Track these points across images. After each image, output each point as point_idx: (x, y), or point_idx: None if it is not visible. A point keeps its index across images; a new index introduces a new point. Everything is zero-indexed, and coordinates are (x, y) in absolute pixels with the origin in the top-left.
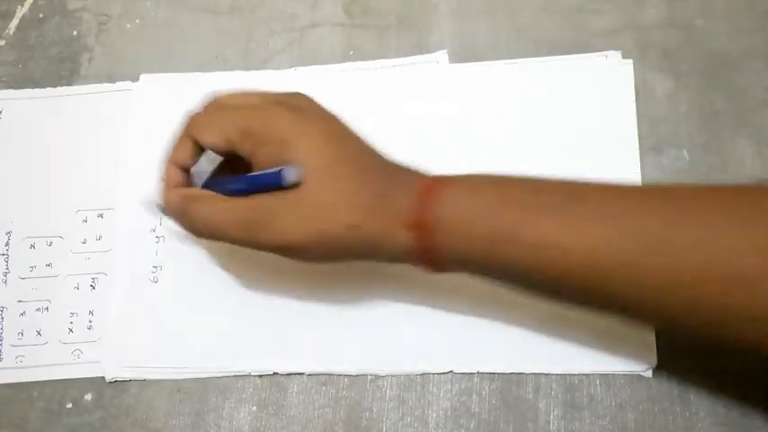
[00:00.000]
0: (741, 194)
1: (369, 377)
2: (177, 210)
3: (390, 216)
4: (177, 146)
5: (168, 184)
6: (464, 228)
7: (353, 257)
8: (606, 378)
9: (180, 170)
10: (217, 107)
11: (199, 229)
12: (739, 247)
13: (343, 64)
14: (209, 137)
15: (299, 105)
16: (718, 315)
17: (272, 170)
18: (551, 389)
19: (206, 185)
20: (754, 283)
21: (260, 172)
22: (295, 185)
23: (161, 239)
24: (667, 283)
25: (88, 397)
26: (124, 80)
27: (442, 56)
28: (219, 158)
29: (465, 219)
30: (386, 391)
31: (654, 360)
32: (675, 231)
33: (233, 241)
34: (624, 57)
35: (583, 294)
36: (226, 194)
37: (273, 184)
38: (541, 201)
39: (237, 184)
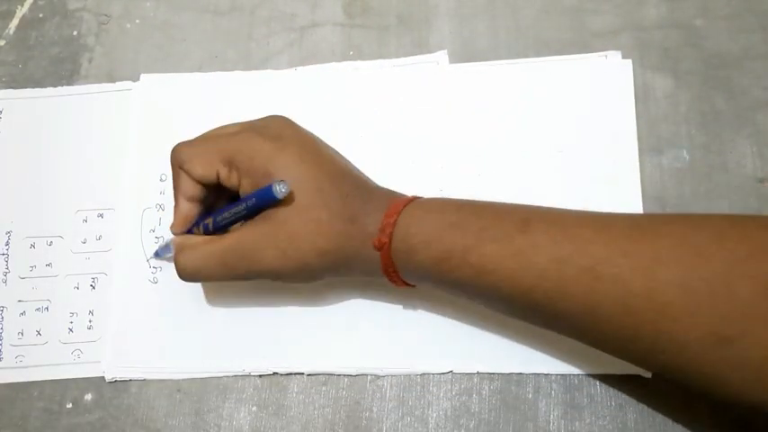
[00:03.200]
0: (669, 225)
1: (369, 377)
2: (174, 257)
3: (359, 239)
4: (178, 180)
5: (179, 218)
6: (421, 248)
7: (333, 277)
8: (606, 378)
9: (189, 203)
10: (200, 138)
11: (192, 278)
12: (662, 281)
13: (342, 63)
14: (199, 169)
15: (277, 133)
16: (649, 343)
17: (262, 188)
18: (551, 389)
19: (203, 218)
20: (680, 318)
21: (252, 192)
22: (286, 200)
23: (161, 239)
24: (592, 311)
25: (88, 397)
26: (124, 80)
27: (442, 56)
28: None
29: (422, 240)
30: (386, 391)
31: None
32: (600, 265)
33: (221, 279)
34: (624, 57)
35: (522, 313)
36: (222, 225)
37: (270, 199)
38: (491, 229)
39: (235, 208)
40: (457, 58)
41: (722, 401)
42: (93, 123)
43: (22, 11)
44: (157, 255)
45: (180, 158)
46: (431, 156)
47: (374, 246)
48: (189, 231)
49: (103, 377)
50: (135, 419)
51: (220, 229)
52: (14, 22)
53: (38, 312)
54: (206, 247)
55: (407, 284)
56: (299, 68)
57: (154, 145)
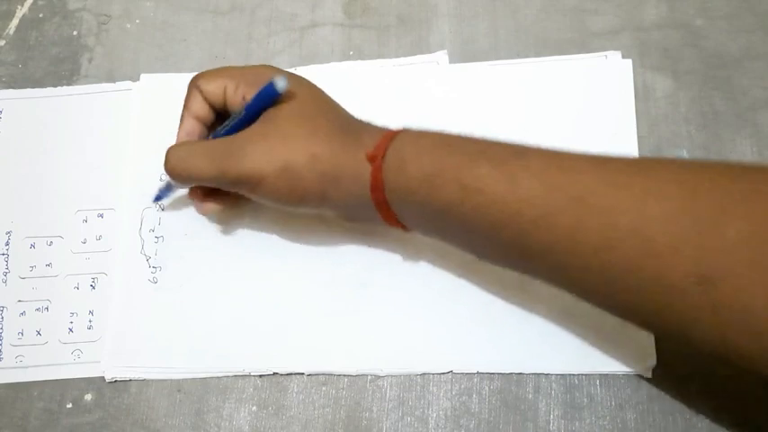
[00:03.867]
0: (666, 165)
1: (369, 377)
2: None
3: (353, 149)
4: (189, 98)
5: (181, 135)
6: (413, 162)
7: (317, 193)
8: (606, 378)
9: (195, 121)
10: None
11: (177, 172)
12: (648, 216)
13: (342, 63)
14: (210, 85)
15: (289, 73)
16: (632, 282)
17: (263, 86)
18: (551, 389)
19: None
20: (662, 254)
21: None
22: (286, 107)
23: (161, 239)
24: (575, 245)
25: (88, 397)
26: (124, 80)
27: (442, 56)
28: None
29: (415, 155)
30: (386, 391)
31: (653, 360)
32: (590, 196)
33: (207, 177)
34: (624, 57)
35: (503, 248)
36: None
37: (269, 95)
38: (486, 152)
39: (238, 117)
40: (457, 58)
41: (700, 349)
42: (93, 123)
43: (22, 11)
44: (158, 198)
45: (197, 78)
46: None
47: (367, 156)
48: None
49: (103, 377)
50: (135, 419)
51: None
52: (14, 22)
53: (38, 312)
54: (198, 145)
55: (394, 220)
56: (299, 68)
57: (154, 145)
